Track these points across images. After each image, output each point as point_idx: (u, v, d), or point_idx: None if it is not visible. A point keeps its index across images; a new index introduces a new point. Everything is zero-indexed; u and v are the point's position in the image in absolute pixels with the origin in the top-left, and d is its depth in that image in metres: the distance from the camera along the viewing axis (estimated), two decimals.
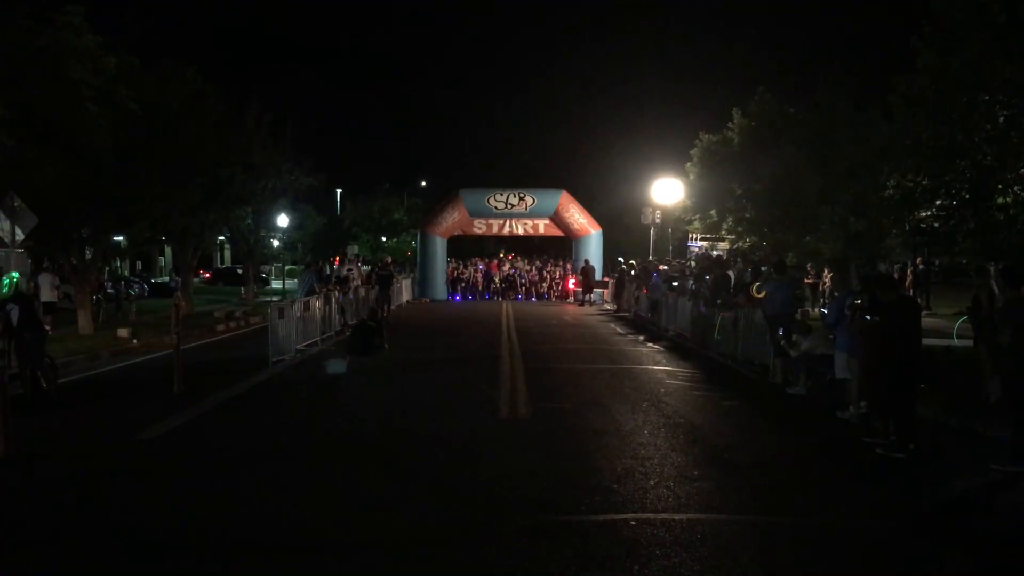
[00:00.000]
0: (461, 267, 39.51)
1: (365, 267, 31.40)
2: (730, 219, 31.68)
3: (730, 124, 31.68)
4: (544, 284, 37.60)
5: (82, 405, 11.65)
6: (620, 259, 37.33)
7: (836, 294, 11.22)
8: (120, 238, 28.05)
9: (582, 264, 33.24)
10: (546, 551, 5.78)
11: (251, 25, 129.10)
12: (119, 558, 5.73)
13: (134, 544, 5.97)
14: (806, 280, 21.53)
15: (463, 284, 37.46)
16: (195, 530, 6.24)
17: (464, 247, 46.86)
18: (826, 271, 25.78)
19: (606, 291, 32.99)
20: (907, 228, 20.03)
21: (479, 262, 40.81)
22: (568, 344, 18.63)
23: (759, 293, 13.89)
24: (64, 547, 5.94)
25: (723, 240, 35.62)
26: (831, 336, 11.38)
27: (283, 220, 37.38)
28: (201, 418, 10.45)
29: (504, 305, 31.25)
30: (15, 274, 12.00)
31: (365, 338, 15.58)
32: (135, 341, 18.53)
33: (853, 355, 10.08)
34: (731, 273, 18.05)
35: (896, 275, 15.94)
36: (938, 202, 17.52)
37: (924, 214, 18.33)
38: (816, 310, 18.91)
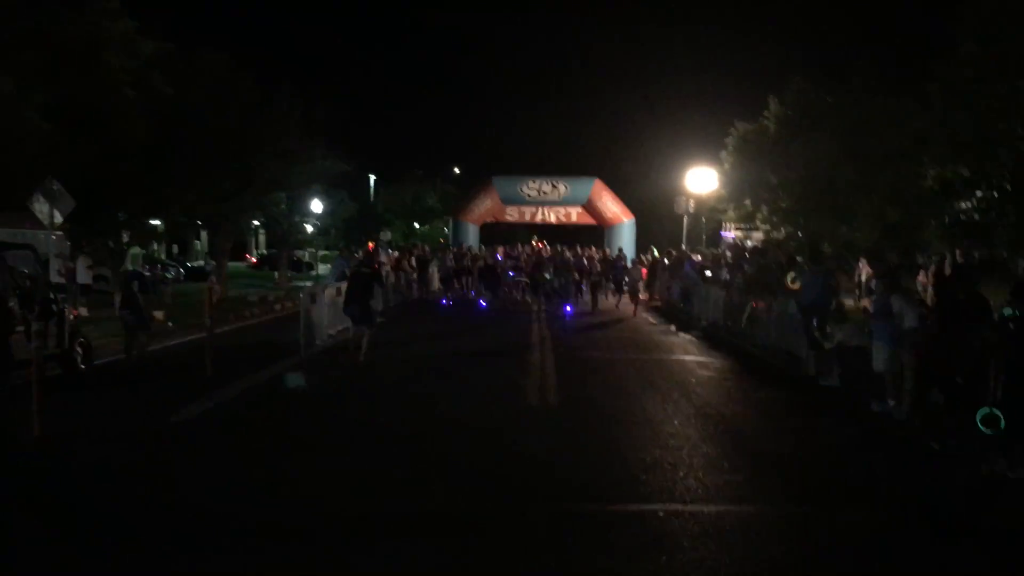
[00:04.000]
0: (467, 252, 29.71)
1: (394, 252, 31.50)
2: (764, 208, 31.37)
3: (766, 112, 31.32)
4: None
5: (117, 386, 11.80)
6: (653, 247, 37.12)
7: (875, 284, 10.98)
8: (157, 222, 28.36)
9: (617, 253, 32.94)
10: (571, 540, 5.76)
11: (283, 10, 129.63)
12: (137, 540, 5.78)
13: (156, 526, 6.02)
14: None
15: (465, 280, 27.70)
16: (222, 513, 6.29)
17: (496, 234, 46.86)
18: (861, 261, 25.42)
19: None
20: (946, 219, 19.75)
21: (497, 251, 31.11)
22: (599, 332, 18.56)
23: (794, 283, 13.72)
24: (86, 527, 6.01)
25: (757, 230, 35.28)
26: (867, 329, 11.19)
27: (316, 206, 37.55)
28: (233, 402, 10.52)
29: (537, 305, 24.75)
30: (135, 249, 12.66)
31: (364, 289, 13.84)
32: (170, 324, 18.72)
33: (901, 348, 9.82)
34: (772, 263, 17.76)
35: (933, 267, 15.63)
36: (978, 193, 17.23)
37: (963, 205, 18.04)
38: (859, 302, 18.59)
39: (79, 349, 12.36)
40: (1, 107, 14.60)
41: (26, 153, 15.45)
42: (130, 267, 13.86)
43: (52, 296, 12.20)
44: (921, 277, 17.57)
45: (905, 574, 5.50)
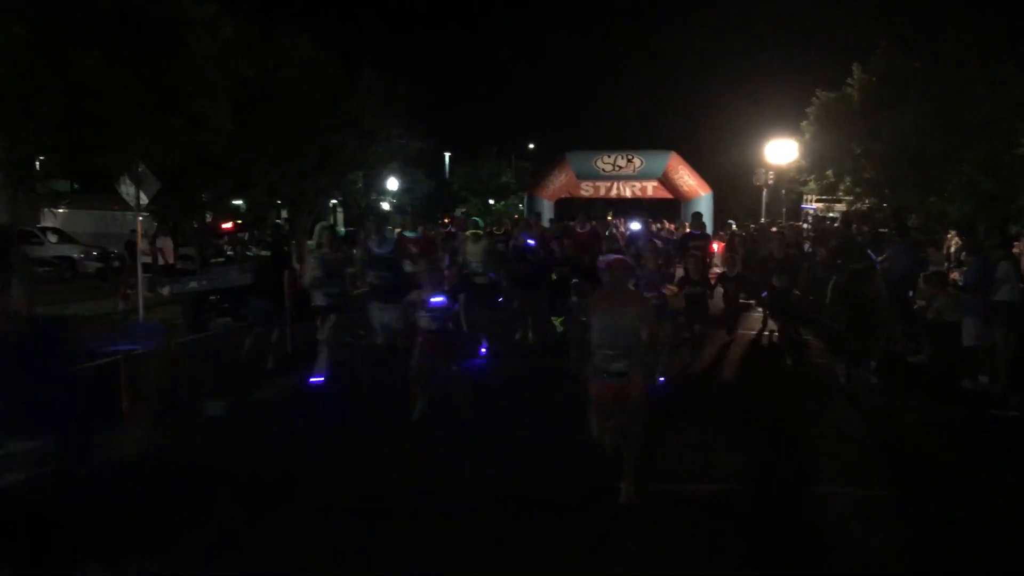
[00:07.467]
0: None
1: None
2: (848, 180, 30.51)
3: (849, 80, 30.36)
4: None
5: (203, 362, 12.16)
6: (731, 221, 36.46)
7: (966, 256, 10.46)
8: (239, 202, 28.95)
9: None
10: (630, 517, 5.70)
11: None
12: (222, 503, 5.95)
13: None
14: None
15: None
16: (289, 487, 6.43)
17: (571, 210, 46.52)
18: (951, 234, 24.50)
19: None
20: None
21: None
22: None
23: (880, 257, 13.26)
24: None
25: (840, 202, 34.33)
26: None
27: (393, 184, 37.78)
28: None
29: None
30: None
31: (271, 277, 12.72)
32: None
33: (996, 323, 9.38)
34: (860, 237, 17.15)
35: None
36: None
37: None
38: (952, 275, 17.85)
39: None
40: (89, 92, 15.04)
41: (115, 136, 15.91)
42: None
43: None
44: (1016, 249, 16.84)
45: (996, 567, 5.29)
